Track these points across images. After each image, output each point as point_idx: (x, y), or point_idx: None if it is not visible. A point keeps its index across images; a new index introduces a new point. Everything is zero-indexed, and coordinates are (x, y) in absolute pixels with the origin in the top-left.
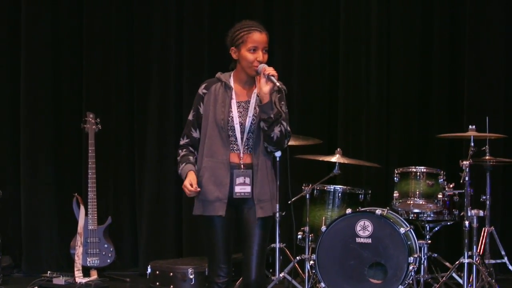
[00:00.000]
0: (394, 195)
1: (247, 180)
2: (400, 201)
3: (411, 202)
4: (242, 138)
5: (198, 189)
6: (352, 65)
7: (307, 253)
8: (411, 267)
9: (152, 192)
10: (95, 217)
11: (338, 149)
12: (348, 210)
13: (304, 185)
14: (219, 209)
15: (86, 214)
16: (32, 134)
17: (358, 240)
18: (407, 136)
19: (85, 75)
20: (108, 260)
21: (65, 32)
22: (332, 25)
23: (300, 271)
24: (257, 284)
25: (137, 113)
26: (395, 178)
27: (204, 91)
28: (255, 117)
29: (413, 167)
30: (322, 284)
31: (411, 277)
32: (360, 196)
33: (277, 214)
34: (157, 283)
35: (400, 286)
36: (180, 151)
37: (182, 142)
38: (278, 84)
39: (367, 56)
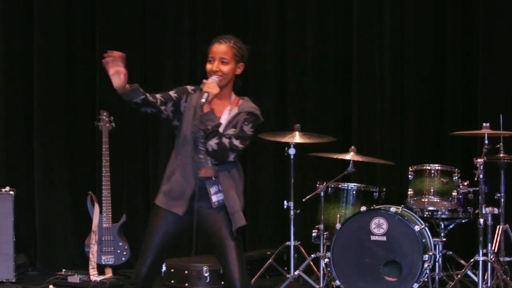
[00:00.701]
0: (409, 192)
1: (221, 188)
2: (415, 198)
3: (426, 200)
4: None
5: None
6: (365, 62)
7: (322, 251)
8: (426, 265)
9: None
10: (110, 215)
11: (353, 147)
12: (363, 208)
13: (318, 183)
14: (179, 207)
15: (101, 212)
16: (46, 133)
17: (372, 238)
18: (421, 134)
19: (99, 73)
20: (123, 258)
21: (79, 31)
22: (345, 23)
23: (315, 269)
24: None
25: None
26: (410, 176)
27: (191, 91)
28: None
29: (428, 164)
30: (337, 282)
31: (426, 275)
32: (375, 194)
33: (292, 212)
34: (172, 281)
35: (415, 284)
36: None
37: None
38: (202, 100)
39: (380, 54)
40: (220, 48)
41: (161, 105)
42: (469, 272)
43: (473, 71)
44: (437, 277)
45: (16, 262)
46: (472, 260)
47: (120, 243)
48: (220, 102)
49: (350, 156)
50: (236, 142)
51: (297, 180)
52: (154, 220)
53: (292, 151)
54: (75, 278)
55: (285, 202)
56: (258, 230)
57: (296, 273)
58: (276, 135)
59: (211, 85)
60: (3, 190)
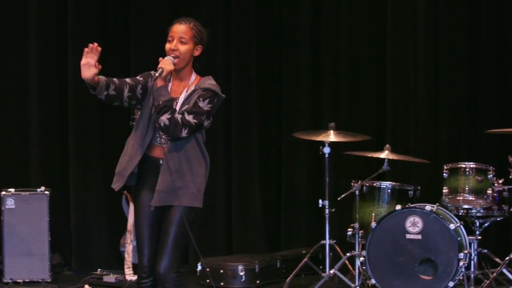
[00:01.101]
0: (444, 191)
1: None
2: (450, 197)
3: (461, 198)
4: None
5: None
6: (400, 61)
7: (357, 250)
8: (461, 263)
9: None
10: None
11: (387, 145)
12: (398, 207)
13: (353, 181)
14: (117, 183)
15: None
16: (80, 133)
17: (408, 236)
18: (456, 132)
19: (132, 73)
20: None
21: (112, 31)
22: (379, 21)
23: (351, 268)
24: (163, 275)
25: None
26: (444, 174)
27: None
28: None
29: (462, 163)
30: (373, 281)
31: (461, 273)
32: (410, 192)
33: (327, 210)
34: (207, 280)
35: (451, 282)
36: None
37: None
38: (156, 75)
39: (414, 52)
40: (180, 28)
41: (129, 90)
42: (504, 270)
43: (508, 68)
44: (472, 275)
45: (52, 262)
46: (507, 258)
47: None
48: (179, 83)
49: (385, 154)
50: (189, 118)
51: (332, 178)
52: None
53: (327, 150)
54: (110, 278)
55: (320, 201)
56: (293, 229)
57: (331, 271)
58: (311, 134)
59: (165, 61)
60: (38, 190)
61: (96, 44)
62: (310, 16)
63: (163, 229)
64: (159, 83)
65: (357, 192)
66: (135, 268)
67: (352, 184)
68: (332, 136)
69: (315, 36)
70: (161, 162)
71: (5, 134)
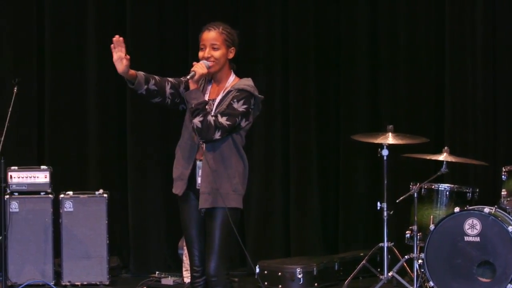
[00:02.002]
0: (502, 193)
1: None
2: (508, 199)
3: None
4: None
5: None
6: (458, 62)
7: (415, 252)
8: None
9: (259, 192)
10: None
11: (446, 147)
12: (456, 209)
13: (411, 184)
14: (178, 188)
15: None
16: (139, 135)
17: (466, 238)
18: None
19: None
20: None
21: (170, 31)
22: (437, 23)
23: (409, 270)
24: (212, 277)
25: None
26: (503, 176)
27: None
28: None
29: None
30: (431, 283)
31: None
32: (468, 194)
33: (385, 213)
34: (266, 283)
35: (509, 284)
36: None
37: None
38: (187, 77)
39: (473, 54)
40: (210, 35)
41: (171, 87)
42: None
43: None
44: None
45: (110, 265)
46: None
47: None
48: (218, 85)
49: (443, 157)
50: (222, 120)
51: (390, 181)
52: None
53: (385, 152)
54: (168, 280)
55: (378, 203)
56: (352, 232)
57: (389, 274)
58: (369, 136)
59: (199, 65)
60: (97, 193)
61: (117, 36)
62: (368, 18)
63: (207, 232)
64: (192, 86)
65: (415, 195)
66: None
67: (410, 186)
68: (390, 139)
69: (373, 38)
70: (200, 163)
71: (63, 136)
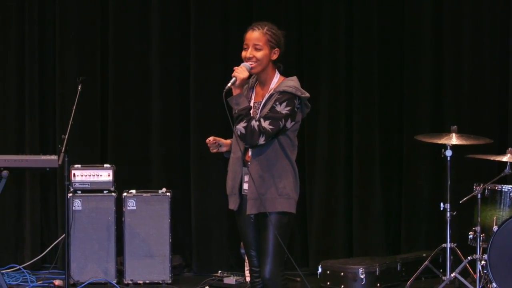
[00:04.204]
0: None
1: (247, 178)
2: None
3: None
4: None
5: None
6: None
7: (478, 253)
8: None
9: (322, 192)
10: None
11: (510, 148)
12: None
13: (475, 185)
14: (232, 203)
15: None
16: (202, 134)
17: None
18: None
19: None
20: None
21: (234, 32)
22: (502, 22)
23: (471, 271)
24: (268, 280)
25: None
26: None
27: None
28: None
29: None
30: (494, 284)
31: None
32: None
33: (448, 214)
34: (328, 283)
35: None
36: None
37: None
38: (228, 84)
39: None
40: (253, 35)
41: None
42: None
43: None
44: None
45: (172, 264)
46: None
47: None
48: (263, 87)
49: (507, 158)
50: (265, 124)
51: (453, 182)
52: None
53: (448, 153)
54: (231, 280)
55: (442, 204)
56: (414, 232)
57: (452, 275)
58: (433, 137)
59: (239, 69)
60: (160, 191)
61: (210, 138)
62: (431, 19)
63: (260, 236)
64: (235, 91)
65: (479, 196)
66: None
67: (474, 187)
68: (454, 139)
69: (437, 38)
70: (245, 169)
71: (126, 135)
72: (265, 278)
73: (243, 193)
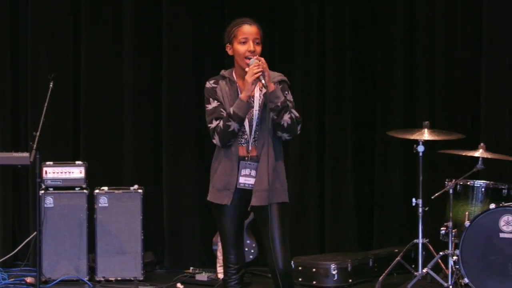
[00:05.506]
0: None
1: (253, 173)
2: None
3: None
4: (250, 132)
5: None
6: (495, 58)
7: (450, 249)
8: None
9: (294, 187)
10: None
11: (482, 144)
12: (492, 205)
13: (447, 180)
14: (225, 198)
15: None
16: (174, 130)
17: (501, 235)
18: None
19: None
20: (251, 256)
21: (206, 27)
22: (474, 17)
23: (443, 267)
24: (287, 266)
25: None
26: None
27: (214, 85)
28: (259, 111)
29: None
30: (466, 280)
31: None
32: (504, 191)
33: (420, 209)
34: (300, 279)
35: None
36: (215, 124)
37: (214, 124)
38: (263, 81)
39: (510, 49)
40: (252, 29)
41: None
42: None
43: None
44: None
45: (144, 260)
46: None
47: (248, 241)
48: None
49: (479, 153)
50: (296, 113)
51: (425, 177)
52: (217, 220)
53: (421, 148)
54: (202, 276)
55: (414, 200)
56: (386, 228)
57: (424, 270)
58: (405, 132)
59: (261, 63)
60: (132, 188)
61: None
62: (404, 17)
63: (267, 228)
64: (272, 87)
65: (451, 191)
66: None
67: (446, 183)
68: (426, 135)
69: (410, 35)
70: (249, 162)
71: (99, 132)
72: (280, 269)
73: (238, 186)
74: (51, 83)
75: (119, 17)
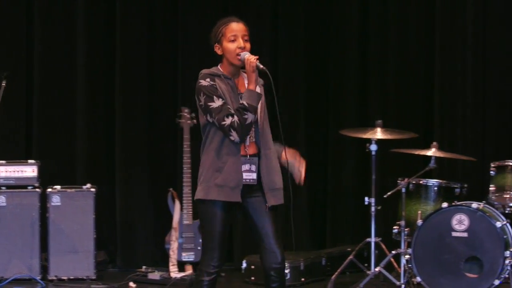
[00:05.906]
0: (490, 189)
1: (253, 168)
2: (497, 195)
3: (508, 196)
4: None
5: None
6: (448, 58)
7: (402, 247)
8: (507, 261)
9: None
10: (190, 212)
11: (434, 142)
12: (444, 204)
13: (399, 179)
14: (238, 195)
15: (181, 209)
16: (127, 130)
17: (454, 234)
18: (504, 130)
19: (180, 70)
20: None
21: (159, 28)
22: (427, 18)
23: (396, 265)
24: (281, 269)
25: None
26: (492, 172)
27: (212, 83)
28: None
29: (510, 160)
30: (418, 278)
31: (508, 271)
32: (456, 190)
33: (373, 208)
34: (252, 278)
35: (496, 280)
36: (230, 121)
37: (228, 121)
38: (262, 66)
39: (463, 49)
40: (240, 27)
41: None
42: None
43: None
44: None
45: (97, 259)
46: None
47: (201, 240)
48: (239, 79)
49: (431, 152)
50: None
51: (378, 176)
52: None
53: (373, 147)
54: (155, 275)
55: (366, 199)
56: (339, 227)
57: (376, 269)
58: (358, 131)
59: (253, 58)
60: (84, 187)
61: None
62: (358, 16)
63: (265, 222)
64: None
65: (403, 190)
66: (180, 266)
67: (398, 181)
68: (379, 134)
69: (363, 33)
70: (248, 158)
71: (51, 130)
72: (282, 262)
73: (244, 183)
74: (4, 82)
75: (72, 16)
